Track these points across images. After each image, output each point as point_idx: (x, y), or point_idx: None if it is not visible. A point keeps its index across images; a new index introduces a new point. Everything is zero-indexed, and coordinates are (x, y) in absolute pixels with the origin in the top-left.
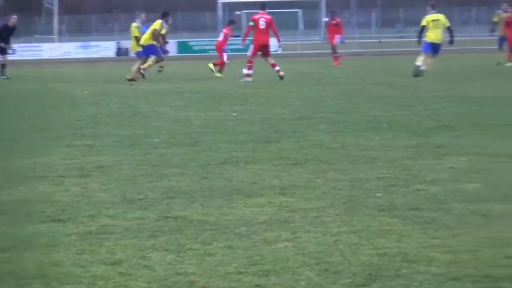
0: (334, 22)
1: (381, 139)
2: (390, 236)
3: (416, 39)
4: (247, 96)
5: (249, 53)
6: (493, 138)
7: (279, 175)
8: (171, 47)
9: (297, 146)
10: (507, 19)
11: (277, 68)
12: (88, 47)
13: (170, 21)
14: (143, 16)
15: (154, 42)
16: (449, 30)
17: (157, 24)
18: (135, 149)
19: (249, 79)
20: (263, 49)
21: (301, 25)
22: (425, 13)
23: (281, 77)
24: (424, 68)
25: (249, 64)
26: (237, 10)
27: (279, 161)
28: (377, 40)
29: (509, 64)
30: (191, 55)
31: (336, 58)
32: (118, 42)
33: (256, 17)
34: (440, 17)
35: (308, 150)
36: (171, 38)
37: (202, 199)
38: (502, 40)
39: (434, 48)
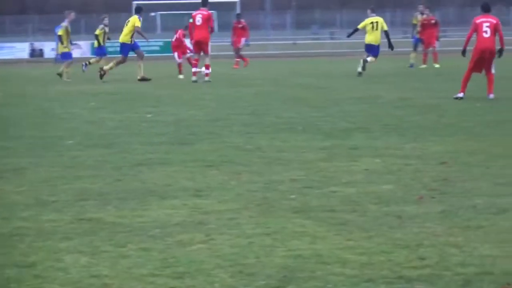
0: (240, 25)
1: (296, 141)
2: (305, 238)
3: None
4: (162, 97)
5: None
6: (406, 139)
7: (193, 177)
8: (85, 48)
9: (212, 148)
10: (423, 21)
11: (207, 71)
12: (2, 48)
13: (106, 21)
14: (72, 15)
15: (131, 40)
16: (386, 34)
17: (136, 20)
18: (49, 151)
19: (207, 78)
20: (201, 46)
21: (216, 27)
22: (341, 15)
23: (194, 82)
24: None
25: (194, 62)
26: (152, 11)
27: (193, 163)
28: (292, 42)
29: (423, 66)
30: (105, 57)
31: (238, 61)
32: (32, 44)
33: (194, 13)
34: (379, 20)
35: (223, 152)
36: (85, 40)
37: (116, 201)
38: (417, 41)
39: (371, 49)
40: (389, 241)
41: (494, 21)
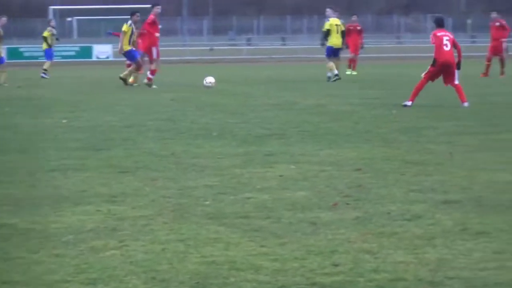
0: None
1: (211, 147)
2: (218, 244)
3: (320, 44)
4: (78, 103)
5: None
6: (322, 146)
7: (108, 183)
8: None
9: (127, 154)
10: (348, 27)
11: (150, 76)
12: None
13: (53, 23)
14: (4, 19)
15: (130, 47)
16: (342, 34)
17: (125, 27)
18: None
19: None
20: (148, 52)
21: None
22: (258, 21)
23: (127, 82)
24: (331, 74)
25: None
26: (68, 16)
27: (108, 169)
28: (209, 48)
29: (348, 72)
30: (21, 62)
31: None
32: None
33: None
34: (339, 21)
35: (138, 157)
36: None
37: (29, 207)
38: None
39: (335, 52)
40: (302, 248)
41: (452, 36)
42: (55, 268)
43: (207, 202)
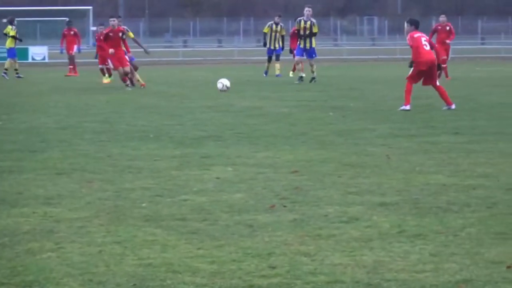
0: (71, 32)
1: (148, 149)
2: (155, 247)
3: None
4: (13, 105)
5: None
6: (258, 148)
7: (44, 185)
8: None
9: (63, 156)
10: (293, 30)
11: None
12: None
13: (15, 22)
14: None
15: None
16: (311, 35)
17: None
18: None
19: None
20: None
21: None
22: (194, 23)
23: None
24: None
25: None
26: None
27: (44, 171)
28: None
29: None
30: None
31: (71, 68)
32: None
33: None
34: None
35: (74, 159)
36: None
37: None
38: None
39: (311, 53)
40: (240, 250)
41: (428, 37)
42: None
43: (144, 205)
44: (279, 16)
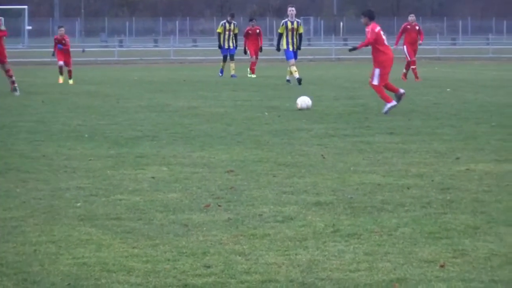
0: None
1: (83, 149)
2: (90, 246)
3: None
4: None
5: None
6: (194, 148)
7: None
8: None
9: None
10: (246, 31)
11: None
12: None
13: None
14: None
15: None
16: (300, 36)
17: None
18: None
19: None
20: None
21: None
22: (130, 23)
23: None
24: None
25: None
26: None
27: None
28: (81, 50)
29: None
30: None
31: None
32: None
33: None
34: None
35: (8, 159)
36: None
37: None
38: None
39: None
40: (174, 249)
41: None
42: None
43: (79, 204)
44: (232, 16)
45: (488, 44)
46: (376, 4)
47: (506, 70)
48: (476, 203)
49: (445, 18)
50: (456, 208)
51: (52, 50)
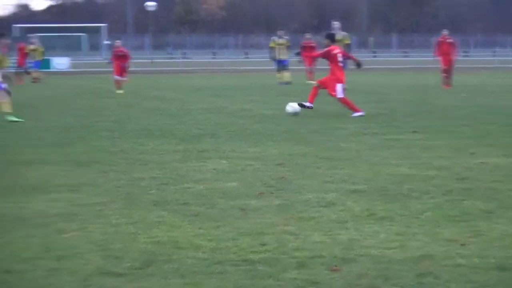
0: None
1: (154, 145)
2: (163, 227)
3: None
4: (40, 107)
5: None
6: (248, 144)
7: (68, 175)
8: None
9: (83, 150)
10: (303, 44)
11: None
12: None
13: None
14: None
15: None
16: (346, 46)
17: None
18: None
19: None
20: None
21: (85, 47)
22: (191, 38)
23: None
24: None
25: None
26: (30, 33)
27: (67, 163)
28: (150, 60)
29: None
30: None
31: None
32: None
33: None
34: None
35: (92, 153)
36: None
37: (2, 194)
38: (280, 62)
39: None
40: (234, 230)
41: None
42: (26, 247)
43: (152, 191)
44: (281, 31)
45: (494, 55)
46: (399, 22)
47: (511, 78)
48: (489, 191)
49: (457, 34)
50: (473, 195)
51: (110, 58)
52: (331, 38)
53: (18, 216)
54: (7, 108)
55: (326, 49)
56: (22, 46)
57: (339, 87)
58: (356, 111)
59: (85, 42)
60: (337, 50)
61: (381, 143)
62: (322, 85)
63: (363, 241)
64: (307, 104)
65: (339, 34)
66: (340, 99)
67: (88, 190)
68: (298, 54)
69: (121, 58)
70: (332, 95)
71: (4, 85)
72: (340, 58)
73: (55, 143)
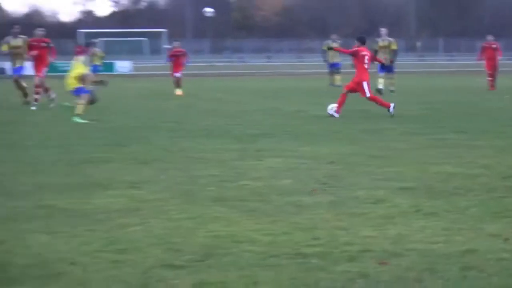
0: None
1: (213, 144)
2: (221, 222)
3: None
4: (103, 108)
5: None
6: (302, 143)
7: (129, 172)
8: None
9: (144, 149)
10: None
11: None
12: None
13: None
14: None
15: None
16: (393, 52)
17: None
18: (12, 151)
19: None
20: None
21: (147, 51)
22: (247, 43)
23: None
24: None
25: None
26: (94, 38)
27: (129, 161)
28: (209, 64)
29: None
30: (56, 74)
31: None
32: None
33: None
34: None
35: (153, 152)
36: None
37: (67, 191)
38: (333, 65)
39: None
40: (289, 225)
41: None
42: (90, 240)
43: (211, 188)
44: (335, 36)
45: None
46: (446, 28)
47: None
48: None
49: (502, 38)
50: None
51: (168, 57)
52: (362, 40)
53: (82, 212)
54: (81, 110)
55: (355, 48)
56: (80, 50)
57: (365, 85)
58: (387, 106)
59: (147, 47)
60: (365, 52)
61: (427, 143)
62: (351, 91)
63: (411, 236)
64: (335, 114)
65: (386, 40)
66: (370, 98)
67: (149, 187)
68: (330, 49)
69: (180, 57)
70: (364, 97)
71: (89, 90)
72: (366, 60)
73: (118, 142)
